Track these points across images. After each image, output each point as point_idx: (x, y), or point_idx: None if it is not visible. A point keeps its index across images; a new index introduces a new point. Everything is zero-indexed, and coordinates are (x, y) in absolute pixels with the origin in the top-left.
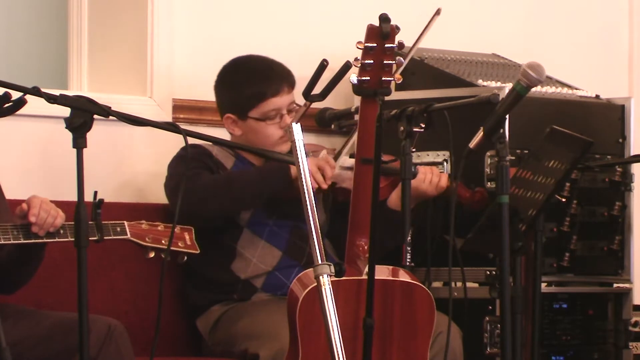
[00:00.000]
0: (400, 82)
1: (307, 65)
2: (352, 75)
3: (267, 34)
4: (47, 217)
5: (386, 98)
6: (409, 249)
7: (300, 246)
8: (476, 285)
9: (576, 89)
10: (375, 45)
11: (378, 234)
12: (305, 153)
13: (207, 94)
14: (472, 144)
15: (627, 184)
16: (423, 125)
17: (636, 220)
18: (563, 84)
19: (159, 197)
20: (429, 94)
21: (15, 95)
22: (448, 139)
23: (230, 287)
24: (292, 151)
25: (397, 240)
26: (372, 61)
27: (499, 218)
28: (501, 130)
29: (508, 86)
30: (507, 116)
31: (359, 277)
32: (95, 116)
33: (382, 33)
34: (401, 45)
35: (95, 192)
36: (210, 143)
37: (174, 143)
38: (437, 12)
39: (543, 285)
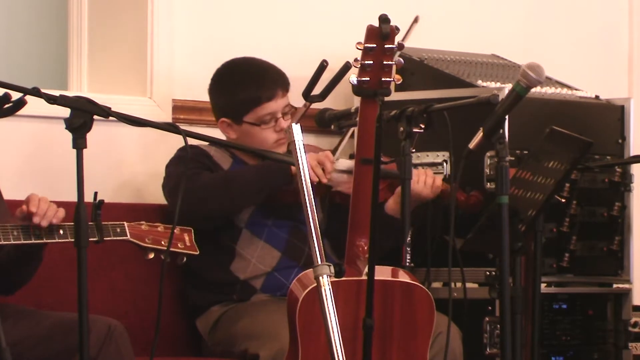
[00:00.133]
0: (399, 82)
1: (307, 66)
2: (352, 76)
3: (267, 34)
4: (48, 208)
5: (386, 98)
6: (408, 249)
7: (299, 247)
8: (476, 285)
9: (576, 89)
10: (374, 45)
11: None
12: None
13: (207, 94)
14: (471, 145)
15: (626, 184)
16: (423, 126)
17: (636, 220)
18: (563, 85)
19: (158, 197)
20: (428, 95)
21: (15, 95)
22: (448, 139)
23: (230, 288)
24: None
25: (395, 241)
26: (371, 62)
27: (499, 218)
28: (501, 131)
29: (508, 87)
30: (507, 117)
31: (359, 278)
32: (95, 117)
33: (381, 34)
34: (401, 46)
35: (96, 193)
36: (208, 144)
37: (173, 144)
38: (415, 20)
39: (543, 285)
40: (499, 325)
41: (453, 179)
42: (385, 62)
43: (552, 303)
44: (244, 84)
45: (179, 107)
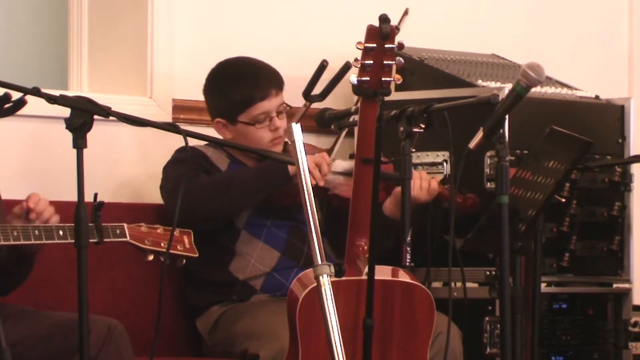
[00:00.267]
0: (399, 82)
1: (307, 65)
2: (352, 76)
3: (267, 34)
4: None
5: (386, 98)
6: (408, 249)
7: (298, 247)
8: (476, 285)
9: (576, 89)
10: (375, 45)
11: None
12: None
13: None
14: (471, 145)
15: (626, 184)
16: (423, 126)
17: (636, 220)
18: (563, 85)
19: (158, 197)
20: (428, 95)
21: (16, 95)
22: (448, 139)
23: (229, 288)
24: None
25: (394, 242)
26: (371, 61)
27: (499, 218)
28: (501, 131)
29: (508, 86)
30: (507, 116)
31: (359, 278)
32: (95, 117)
33: (381, 33)
34: (401, 45)
35: (96, 195)
36: (205, 145)
37: (173, 144)
38: (406, 12)
39: (543, 285)
40: (499, 325)
41: (453, 179)
42: (385, 62)
43: (552, 303)
44: (237, 84)
45: (179, 107)
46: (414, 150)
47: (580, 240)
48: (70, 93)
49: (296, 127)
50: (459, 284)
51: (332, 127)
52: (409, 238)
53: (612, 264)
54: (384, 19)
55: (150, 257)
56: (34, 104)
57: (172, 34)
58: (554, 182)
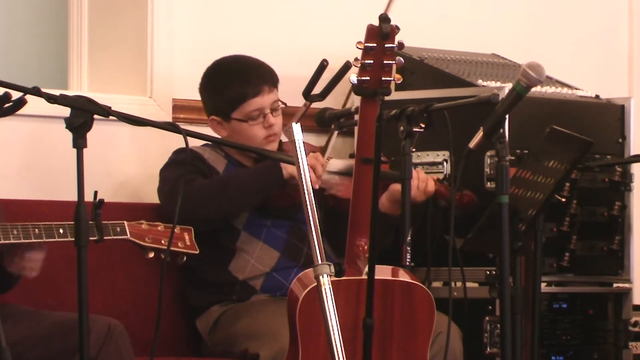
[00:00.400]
0: (400, 82)
1: (307, 65)
2: (352, 75)
3: (267, 34)
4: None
5: (386, 98)
6: (409, 249)
7: (298, 246)
8: (476, 285)
9: (576, 89)
10: (375, 45)
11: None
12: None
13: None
14: (472, 144)
15: (626, 184)
16: (423, 125)
17: (636, 220)
18: (563, 84)
19: (157, 197)
20: (428, 94)
21: (16, 95)
22: (448, 139)
23: (229, 288)
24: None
25: (392, 239)
26: (372, 61)
27: (499, 218)
28: (501, 130)
29: (508, 86)
30: (507, 116)
31: (359, 277)
32: (95, 116)
33: (382, 33)
34: (401, 45)
35: (96, 192)
36: (202, 146)
37: (173, 143)
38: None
39: (543, 285)
40: (499, 325)
41: (453, 179)
42: (385, 62)
43: (552, 303)
44: (230, 81)
45: (179, 107)
46: (414, 150)
47: (580, 240)
48: (70, 93)
49: (296, 127)
50: (459, 284)
51: (332, 126)
52: (409, 238)
53: (612, 264)
54: (384, 18)
55: (151, 255)
56: (34, 104)
57: (172, 34)
58: (554, 182)
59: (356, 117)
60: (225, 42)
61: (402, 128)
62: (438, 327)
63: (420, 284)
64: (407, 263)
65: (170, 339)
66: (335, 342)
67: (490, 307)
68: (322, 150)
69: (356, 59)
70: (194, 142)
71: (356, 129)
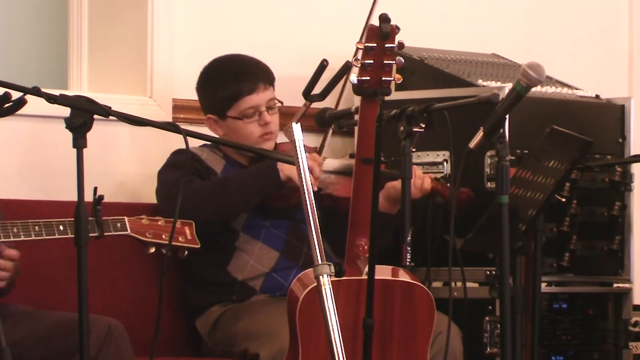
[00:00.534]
0: (400, 82)
1: (307, 65)
2: (352, 76)
3: (267, 34)
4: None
5: (386, 98)
6: (409, 249)
7: (297, 247)
8: (476, 285)
9: (576, 89)
10: (375, 45)
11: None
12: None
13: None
14: (472, 144)
15: (627, 184)
16: (423, 125)
17: (636, 220)
18: (563, 84)
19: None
20: (429, 94)
21: (16, 95)
22: (448, 139)
23: (229, 288)
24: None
25: (390, 238)
26: (372, 61)
27: (499, 218)
28: (501, 130)
29: (508, 86)
30: (507, 116)
31: (359, 277)
32: (95, 116)
33: (382, 33)
34: (401, 45)
35: (95, 188)
36: (200, 147)
37: (173, 144)
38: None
39: (543, 285)
40: (499, 325)
41: (453, 179)
42: (385, 62)
43: (552, 303)
44: (225, 79)
45: (179, 107)
46: (414, 150)
47: (580, 240)
48: (70, 93)
49: (296, 127)
50: (459, 284)
51: (332, 126)
52: (409, 238)
53: (612, 264)
54: (384, 18)
55: (152, 250)
56: (33, 104)
57: (172, 34)
58: (554, 182)
59: (356, 117)
60: (225, 42)
61: (402, 128)
62: (438, 327)
63: (420, 284)
64: (407, 263)
65: (170, 339)
66: (335, 342)
67: (490, 307)
68: (318, 150)
69: (356, 59)
70: (194, 142)
71: (356, 129)
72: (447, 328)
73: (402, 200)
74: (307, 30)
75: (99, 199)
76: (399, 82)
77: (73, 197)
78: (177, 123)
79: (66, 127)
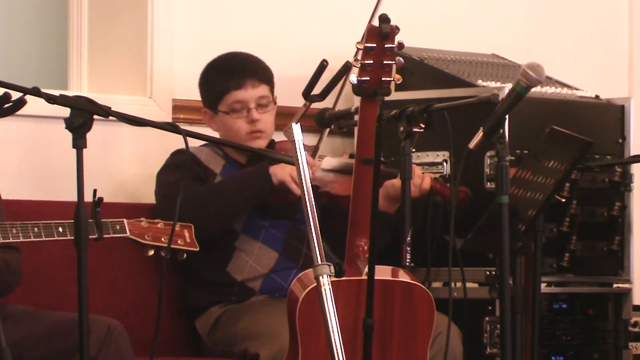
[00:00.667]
0: (399, 82)
1: (307, 65)
2: (352, 76)
3: (267, 34)
4: None
5: (386, 98)
6: (409, 249)
7: (297, 247)
8: (476, 285)
9: (576, 89)
10: (375, 45)
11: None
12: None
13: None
14: (471, 144)
15: (626, 184)
16: (423, 126)
17: (636, 220)
18: (563, 84)
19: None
20: (428, 94)
21: (15, 95)
22: (448, 139)
23: (228, 289)
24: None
25: (389, 238)
26: (371, 61)
27: (499, 218)
28: (501, 131)
29: (508, 86)
30: (507, 116)
31: (359, 278)
32: (95, 116)
33: (381, 33)
34: (401, 45)
35: (95, 190)
36: (198, 147)
37: (173, 144)
38: None
39: (543, 285)
40: (499, 325)
41: (453, 179)
42: (385, 62)
43: (552, 303)
44: (217, 74)
45: (179, 107)
46: (414, 150)
47: (580, 240)
48: (70, 93)
49: (296, 127)
50: (459, 284)
51: (332, 127)
52: (409, 238)
53: (612, 264)
54: (384, 19)
55: (151, 253)
56: (33, 104)
57: (172, 34)
58: (554, 182)
59: (356, 117)
60: (225, 42)
61: (402, 128)
62: (438, 328)
63: (420, 285)
64: (407, 263)
65: (170, 339)
66: (335, 342)
67: (490, 308)
68: (314, 150)
69: (356, 59)
70: (194, 142)
71: (356, 129)
72: (447, 328)
73: (402, 201)
74: (307, 30)
75: (98, 201)
76: (399, 82)
77: (73, 197)
78: (177, 123)
79: (66, 128)
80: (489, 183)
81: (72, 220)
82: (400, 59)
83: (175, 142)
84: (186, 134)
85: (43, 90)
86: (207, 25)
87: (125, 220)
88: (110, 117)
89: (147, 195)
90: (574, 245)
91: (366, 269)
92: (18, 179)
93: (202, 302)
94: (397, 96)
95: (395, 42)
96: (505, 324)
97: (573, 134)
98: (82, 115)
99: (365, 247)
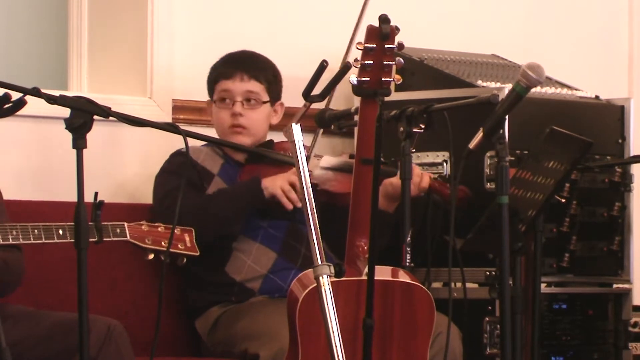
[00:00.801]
0: (399, 82)
1: (307, 66)
2: (352, 76)
3: (267, 34)
4: None
5: (386, 98)
6: (408, 249)
7: (295, 247)
8: (476, 285)
9: (576, 89)
10: (374, 45)
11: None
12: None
13: (207, 94)
14: (471, 145)
15: (626, 184)
16: (423, 126)
17: (636, 220)
18: (563, 85)
19: None
20: (428, 95)
21: (15, 95)
22: (448, 139)
23: (228, 289)
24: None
25: (387, 239)
26: (371, 62)
27: (499, 218)
28: (501, 131)
29: (508, 87)
30: (507, 117)
31: (359, 278)
32: (95, 117)
33: (381, 34)
34: (401, 45)
35: (96, 194)
36: (199, 147)
37: (173, 144)
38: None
39: (543, 285)
40: (499, 325)
41: (453, 179)
42: (385, 62)
43: (552, 303)
44: (219, 63)
45: (179, 107)
46: (414, 150)
47: (580, 241)
48: (70, 93)
49: (296, 128)
50: (459, 284)
51: (332, 127)
52: (409, 238)
53: (612, 264)
54: (383, 19)
55: (151, 256)
56: (33, 104)
57: (172, 34)
58: (554, 183)
59: (356, 117)
60: (225, 43)
61: (402, 129)
62: (438, 328)
63: (420, 285)
64: (407, 263)
65: (170, 339)
66: (335, 342)
67: (490, 308)
68: (308, 150)
69: (356, 60)
70: (194, 142)
71: (356, 129)
72: (447, 328)
73: (402, 201)
74: (307, 30)
75: (99, 204)
76: (399, 82)
77: (73, 197)
78: (177, 124)
79: (66, 128)
80: (489, 183)
81: (72, 223)
82: (400, 59)
83: (176, 142)
84: (186, 134)
85: (43, 90)
86: (207, 25)
87: (125, 224)
88: (111, 118)
89: (148, 195)
90: (574, 245)
91: (366, 269)
92: (18, 179)
93: (202, 302)
94: (397, 96)
95: (395, 43)
96: (505, 324)
97: (573, 135)
98: (82, 116)
99: (365, 248)
